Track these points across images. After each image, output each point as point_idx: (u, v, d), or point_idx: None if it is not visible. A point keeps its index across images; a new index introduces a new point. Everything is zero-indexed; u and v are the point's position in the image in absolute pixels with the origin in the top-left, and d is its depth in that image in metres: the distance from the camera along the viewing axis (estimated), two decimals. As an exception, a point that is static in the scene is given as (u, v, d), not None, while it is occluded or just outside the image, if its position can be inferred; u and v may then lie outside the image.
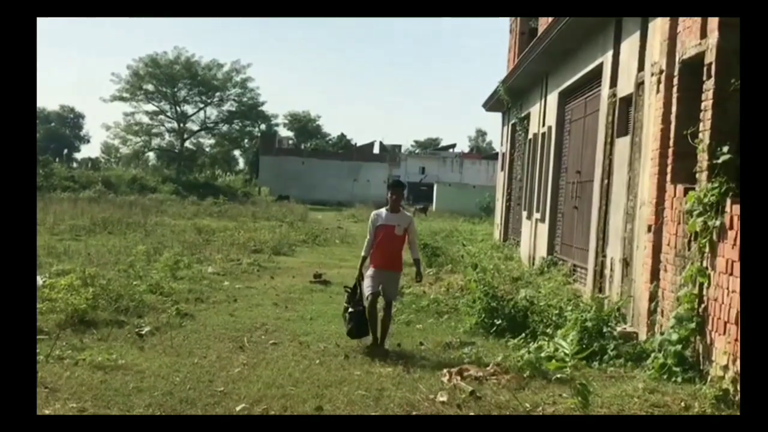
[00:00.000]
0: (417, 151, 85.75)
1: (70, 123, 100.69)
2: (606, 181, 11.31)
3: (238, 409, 6.12)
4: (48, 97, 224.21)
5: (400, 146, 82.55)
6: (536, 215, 17.25)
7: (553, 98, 16.23)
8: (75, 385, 6.51)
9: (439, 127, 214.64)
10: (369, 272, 8.62)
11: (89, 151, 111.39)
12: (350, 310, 8.53)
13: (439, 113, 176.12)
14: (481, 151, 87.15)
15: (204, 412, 6.03)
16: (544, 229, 16.14)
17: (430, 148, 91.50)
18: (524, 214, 19.61)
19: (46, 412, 5.77)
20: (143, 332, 8.83)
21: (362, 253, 8.98)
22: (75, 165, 78.47)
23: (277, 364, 7.76)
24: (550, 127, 16.37)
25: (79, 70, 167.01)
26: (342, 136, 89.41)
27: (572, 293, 11.88)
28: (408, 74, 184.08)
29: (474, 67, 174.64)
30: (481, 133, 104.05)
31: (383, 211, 8.88)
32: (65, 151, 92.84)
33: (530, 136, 19.39)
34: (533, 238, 17.38)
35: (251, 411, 6.10)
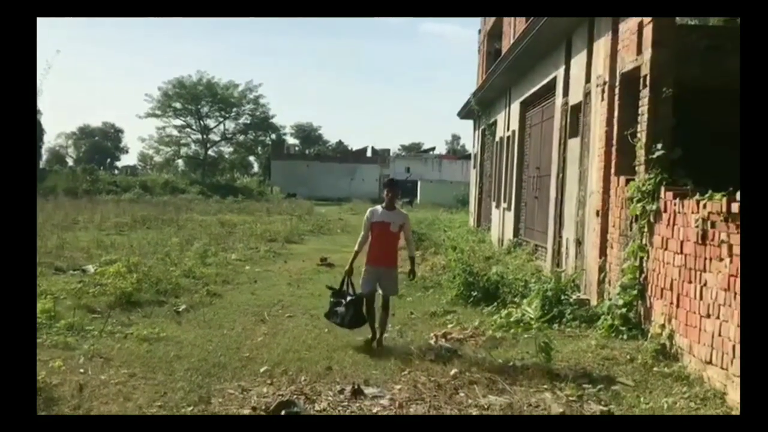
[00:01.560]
0: (403, 154, 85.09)
1: (111, 137, 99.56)
2: (561, 175, 11.33)
3: (261, 370, 6.15)
4: (92, 116, 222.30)
5: (388, 150, 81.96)
6: (503, 204, 17.24)
7: (515, 107, 16.20)
8: (125, 355, 6.53)
9: (421, 133, 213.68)
10: (365, 269, 7.44)
11: (128, 159, 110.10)
12: (348, 299, 7.35)
13: (420, 122, 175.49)
14: (457, 153, 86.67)
15: (233, 374, 6.06)
16: (510, 216, 16.14)
17: (414, 151, 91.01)
18: (493, 204, 19.60)
19: (102, 377, 5.78)
20: (180, 310, 8.80)
21: (355, 248, 7.64)
22: (116, 172, 77.73)
23: (293, 333, 7.79)
24: (513, 131, 16.35)
25: (118, 92, 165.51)
26: (340, 143, 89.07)
27: (535, 269, 11.92)
28: (395, 89, 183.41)
29: (449, 82, 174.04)
30: (456, 138, 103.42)
31: (378, 208, 7.64)
32: (108, 160, 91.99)
33: (497, 139, 19.38)
34: (501, 223, 17.39)
35: (273, 372, 6.12)
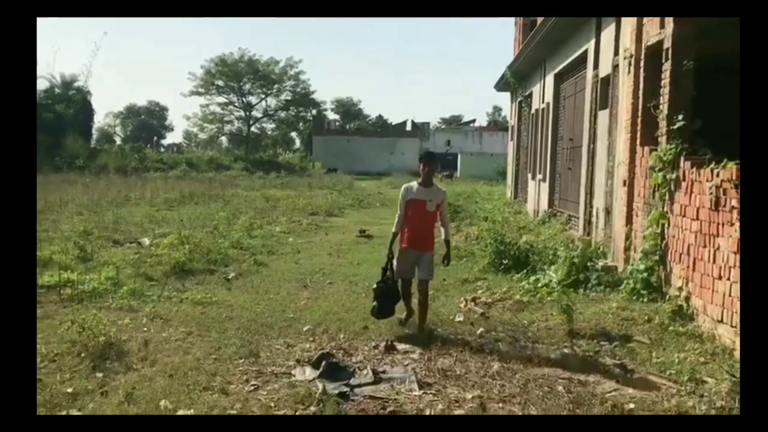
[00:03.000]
0: (443, 127, 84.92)
1: (157, 115, 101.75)
2: (592, 146, 11.60)
3: (304, 329, 6.78)
4: (138, 95, 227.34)
5: (428, 123, 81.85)
6: (539, 176, 17.50)
7: (549, 79, 16.38)
8: (182, 316, 7.23)
9: (461, 105, 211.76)
10: (400, 253, 6.86)
11: (173, 137, 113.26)
12: (374, 286, 6.93)
13: (461, 93, 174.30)
14: (497, 125, 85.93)
15: (279, 332, 6.70)
16: (545, 187, 16.42)
17: (454, 123, 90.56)
18: (529, 175, 19.85)
19: (163, 335, 6.48)
20: (229, 277, 9.49)
21: (393, 230, 6.98)
22: (162, 149, 79.71)
23: (333, 297, 8.39)
24: (548, 104, 16.54)
25: (162, 71, 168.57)
26: (380, 117, 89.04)
27: (567, 238, 12.23)
28: (435, 62, 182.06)
29: (488, 53, 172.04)
30: (497, 109, 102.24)
31: (414, 184, 6.91)
32: (155, 138, 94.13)
33: (533, 111, 19.54)
34: (537, 194, 17.67)
35: (315, 331, 6.75)
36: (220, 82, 74.00)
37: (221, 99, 75.74)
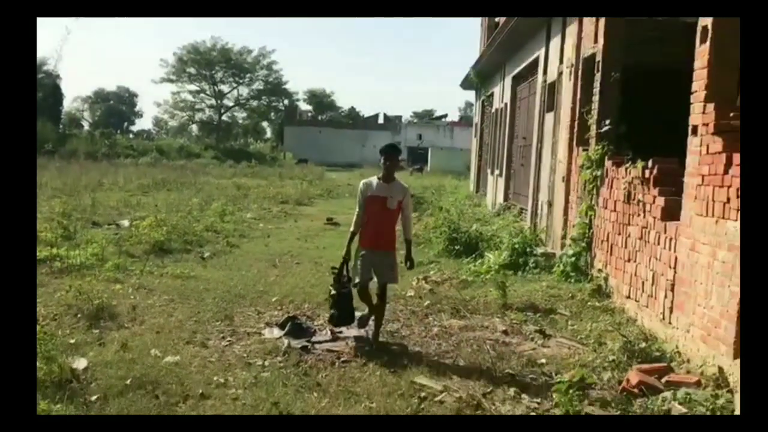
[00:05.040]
0: (415, 121, 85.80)
1: (126, 101, 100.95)
2: (539, 145, 12.70)
3: (273, 300, 7.77)
4: (107, 80, 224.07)
5: (400, 117, 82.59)
6: (497, 171, 18.61)
7: (508, 81, 17.46)
8: (164, 287, 8.16)
9: (433, 100, 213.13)
10: (357, 254, 6.30)
11: (142, 124, 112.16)
12: (333, 292, 6.44)
13: (433, 88, 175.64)
14: (468, 120, 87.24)
15: (251, 302, 7.66)
16: (501, 181, 17.52)
17: (426, 117, 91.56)
18: (489, 171, 20.96)
19: (149, 302, 7.41)
20: (205, 256, 10.42)
21: (351, 229, 6.44)
22: (132, 136, 79.34)
23: (300, 275, 9.37)
24: (506, 104, 17.64)
25: (132, 57, 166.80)
26: (352, 109, 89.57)
27: (517, 228, 13.34)
28: (408, 56, 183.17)
29: (461, 49, 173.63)
30: (469, 105, 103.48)
31: (374, 179, 6.38)
32: (125, 124, 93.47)
33: (493, 110, 20.64)
34: (495, 189, 18.80)
35: (282, 301, 7.74)
36: (192, 70, 74.16)
37: (193, 87, 76.02)
